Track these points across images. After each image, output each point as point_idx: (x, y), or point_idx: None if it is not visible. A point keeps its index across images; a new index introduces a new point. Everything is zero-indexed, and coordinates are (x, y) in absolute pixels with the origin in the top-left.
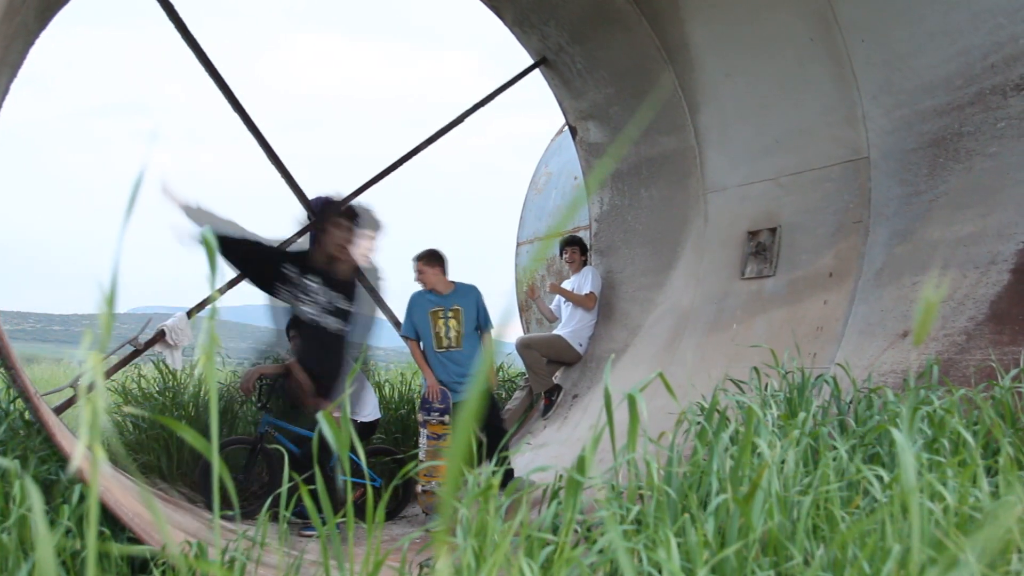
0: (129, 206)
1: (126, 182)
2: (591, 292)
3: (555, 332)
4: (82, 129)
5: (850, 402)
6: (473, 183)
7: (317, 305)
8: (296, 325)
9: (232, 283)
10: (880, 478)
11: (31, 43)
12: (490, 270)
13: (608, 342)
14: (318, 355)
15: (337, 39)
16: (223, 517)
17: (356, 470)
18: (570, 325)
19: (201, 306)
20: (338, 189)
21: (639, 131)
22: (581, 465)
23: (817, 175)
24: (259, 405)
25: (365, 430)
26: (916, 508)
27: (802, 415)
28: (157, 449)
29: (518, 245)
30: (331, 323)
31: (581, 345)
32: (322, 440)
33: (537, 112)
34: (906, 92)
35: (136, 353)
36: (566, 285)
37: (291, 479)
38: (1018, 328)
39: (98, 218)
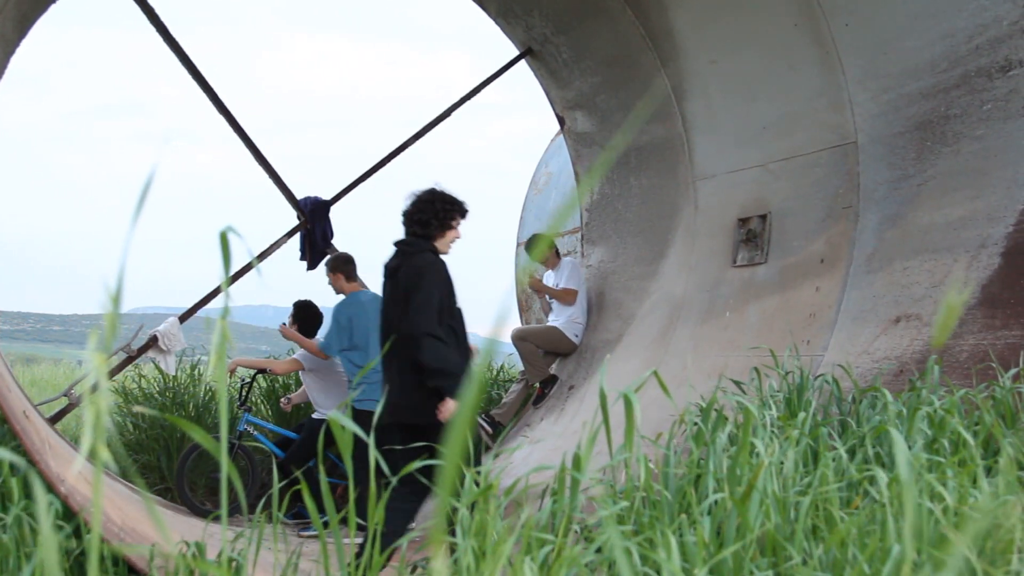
0: (137, 209)
1: (125, 182)
2: (568, 287)
3: (550, 323)
4: (81, 129)
5: (851, 401)
6: (474, 183)
7: None
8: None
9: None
10: (880, 478)
11: (11, 52)
12: (490, 270)
13: (602, 332)
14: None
15: (335, 39)
16: (214, 518)
17: (332, 471)
18: (561, 317)
19: (193, 311)
20: (332, 187)
21: (635, 129)
22: (577, 464)
23: (806, 161)
24: (239, 403)
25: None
26: (912, 506)
27: (801, 415)
28: (157, 449)
29: (518, 245)
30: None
31: (576, 336)
32: (304, 441)
33: (537, 112)
34: (892, 76)
35: (129, 359)
36: (547, 281)
37: (283, 480)
38: (1010, 312)
39: (97, 218)
